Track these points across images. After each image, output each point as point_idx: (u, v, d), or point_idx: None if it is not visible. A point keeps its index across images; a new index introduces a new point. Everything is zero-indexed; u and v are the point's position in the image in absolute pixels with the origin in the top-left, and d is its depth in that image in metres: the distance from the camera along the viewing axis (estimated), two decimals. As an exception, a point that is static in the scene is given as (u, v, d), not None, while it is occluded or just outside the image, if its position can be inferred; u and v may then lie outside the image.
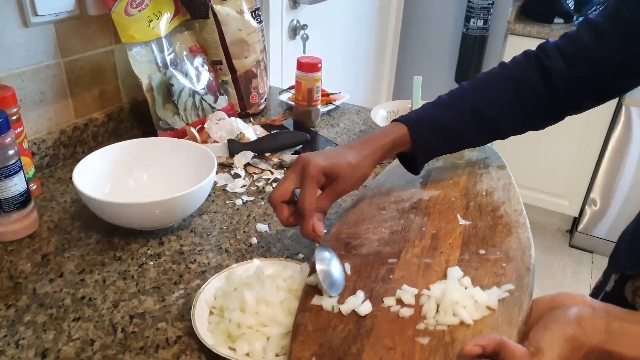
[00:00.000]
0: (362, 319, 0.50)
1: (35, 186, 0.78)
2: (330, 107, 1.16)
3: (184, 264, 0.65)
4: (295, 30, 1.58)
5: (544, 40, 0.70)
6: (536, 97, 0.67)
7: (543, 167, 2.30)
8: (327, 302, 0.52)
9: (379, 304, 0.51)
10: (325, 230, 0.59)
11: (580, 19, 2.15)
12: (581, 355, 0.44)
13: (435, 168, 0.78)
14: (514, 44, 2.13)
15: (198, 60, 1.01)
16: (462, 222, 0.64)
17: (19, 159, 0.66)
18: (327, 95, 1.19)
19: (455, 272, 0.54)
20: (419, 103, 1.08)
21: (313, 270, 0.55)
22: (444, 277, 0.54)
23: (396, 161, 0.76)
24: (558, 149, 2.22)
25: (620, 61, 0.63)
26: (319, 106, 1.08)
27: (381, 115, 1.05)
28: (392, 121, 0.69)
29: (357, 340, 0.48)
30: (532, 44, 0.71)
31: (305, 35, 1.59)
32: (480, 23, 2.09)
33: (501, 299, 0.50)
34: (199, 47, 1.02)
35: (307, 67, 1.02)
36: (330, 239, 0.63)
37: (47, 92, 0.85)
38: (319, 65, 1.03)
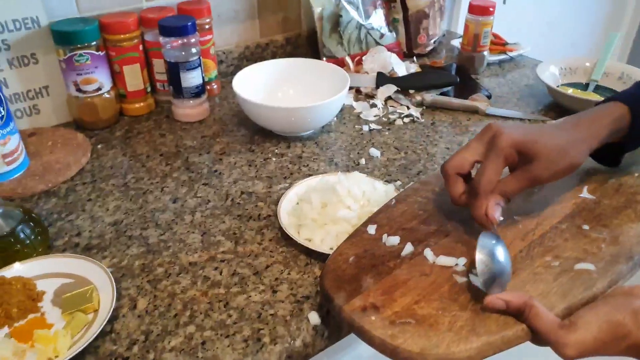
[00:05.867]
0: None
1: (215, 86, 0.96)
2: (503, 56, 1.09)
3: (298, 165, 0.75)
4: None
5: None
6: None
7: None
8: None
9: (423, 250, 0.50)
10: (501, 218, 0.50)
11: None
12: (623, 346, 0.40)
13: None
14: None
15: (372, -5, 1.05)
16: (584, 194, 0.57)
17: (199, 57, 0.83)
18: (504, 44, 1.12)
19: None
20: (603, 64, 0.94)
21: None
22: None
23: None
24: None
25: None
26: (485, 53, 1.03)
27: (551, 72, 0.95)
28: (605, 101, 0.57)
29: (399, 258, 0.50)
30: None
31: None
32: None
33: (568, 274, 0.46)
34: (376, -18, 1.06)
35: (478, 9, 0.98)
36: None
37: (240, 12, 1.01)
38: (491, 9, 0.97)
